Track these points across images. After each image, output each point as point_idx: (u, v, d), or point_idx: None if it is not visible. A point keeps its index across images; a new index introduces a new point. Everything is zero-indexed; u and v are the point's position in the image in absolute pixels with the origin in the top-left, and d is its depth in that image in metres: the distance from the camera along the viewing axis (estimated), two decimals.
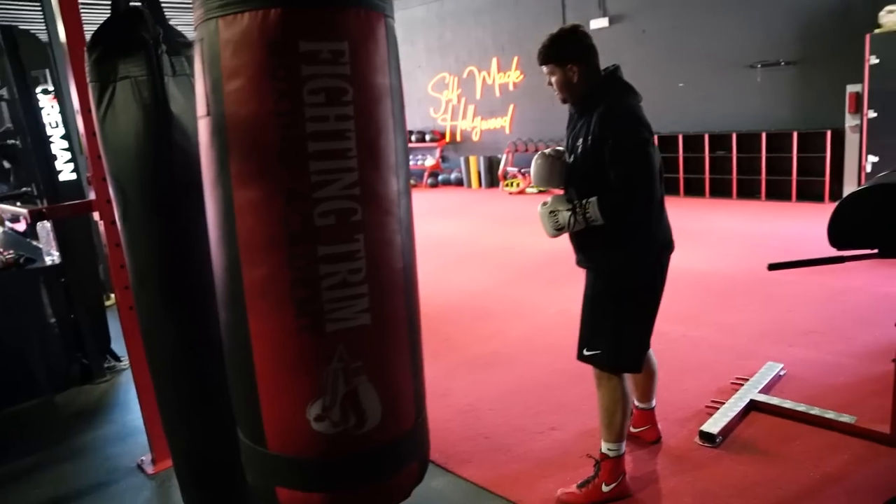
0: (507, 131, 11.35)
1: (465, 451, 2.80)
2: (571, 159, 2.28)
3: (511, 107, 11.25)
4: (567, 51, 2.25)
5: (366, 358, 1.21)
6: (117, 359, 4.16)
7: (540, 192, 10.32)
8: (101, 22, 1.80)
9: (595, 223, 2.15)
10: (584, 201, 2.17)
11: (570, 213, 2.18)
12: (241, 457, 1.36)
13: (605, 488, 2.35)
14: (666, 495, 2.38)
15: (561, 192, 2.36)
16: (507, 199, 10.25)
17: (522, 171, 10.64)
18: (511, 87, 11.16)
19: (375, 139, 1.21)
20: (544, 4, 10.23)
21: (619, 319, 2.29)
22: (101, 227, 2.53)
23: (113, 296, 5.32)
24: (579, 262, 2.40)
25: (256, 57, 1.12)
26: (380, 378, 1.23)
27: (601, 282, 2.31)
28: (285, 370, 1.20)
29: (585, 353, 2.35)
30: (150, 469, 2.83)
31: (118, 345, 4.25)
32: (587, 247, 2.32)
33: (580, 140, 2.22)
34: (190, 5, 1.27)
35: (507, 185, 10.94)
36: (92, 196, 2.56)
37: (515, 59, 10.93)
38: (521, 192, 10.59)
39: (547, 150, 2.37)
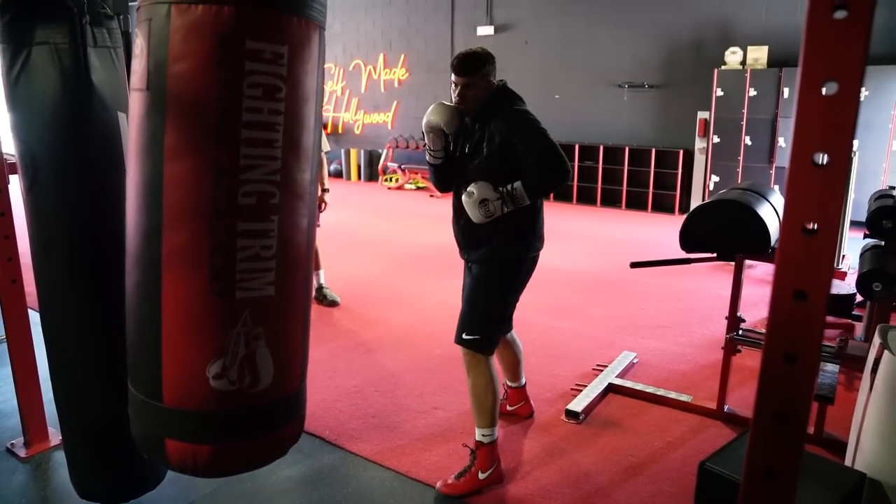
0: (390, 127, 11.51)
1: (353, 428, 2.95)
2: (476, 163, 2.44)
3: (395, 103, 11.42)
4: (490, 66, 2.45)
5: (266, 325, 1.34)
6: None
7: (418, 188, 10.58)
8: None
9: (522, 204, 2.35)
10: (509, 187, 2.34)
11: (499, 200, 2.34)
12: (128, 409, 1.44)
13: (481, 475, 2.46)
14: (536, 465, 2.67)
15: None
16: (387, 194, 10.42)
17: (402, 166, 10.85)
18: (396, 84, 11.33)
19: (298, 134, 1.34)
20: (434, 6, 10.51)
21: (498, 306, 2.51)
22: None
23: None
24: (465, 256, 2.58)
25: (206, 47, 1.21)
26: (275, 344, 1.36)
27: (488, 273, 2.48)
28: (192, 330, 1.31)
29: (465, 336, 2.47)
30: (22, 452, 2.70)
31: None
32: (477, 242, 2.49)
33: (484, 144, 2.42)
34: None
35: (386, 179, 11.09)
36: None
37: (402, 56, 11.11)
38: (400, 188, 10.79)
39: (444, 102, 2.51)
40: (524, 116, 2.41)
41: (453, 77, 2.44)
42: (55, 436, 2.74)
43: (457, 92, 2.44)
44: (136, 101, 1.31)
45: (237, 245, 1.27)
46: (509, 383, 3.04)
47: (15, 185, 2.13)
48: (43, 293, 1.96)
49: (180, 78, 1.24)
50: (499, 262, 2.48)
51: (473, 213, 2.39)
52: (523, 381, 3.04)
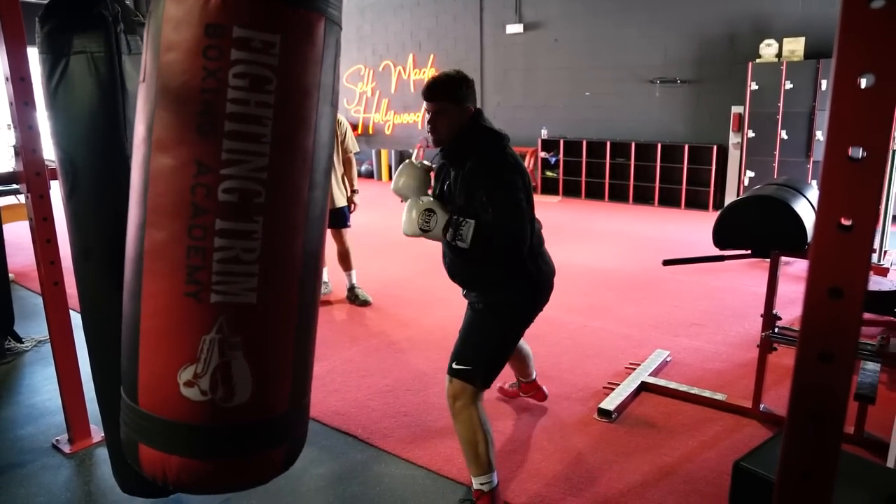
0: (420, 126, 11.53)
1: (386, 427, 2.97)
2: (452, 208, 2.25)
3: (425, 104, 11.43)
4: (469, 91, 2.24)
5: (244, 335, 1.24)
6: (19, 340, 3.98)
7: None
8: None
9: (460, 244, 2.09)
10: (461, 218, 2.10)
11: (446, 221, 2.11)
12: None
13: None
14: (568, 463, 2.65)
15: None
16: None
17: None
18: None
19: (293, 130, 1.26)
20: (463, 6, 10.49)
21: (497, 343, 2.32)
22: (29, 200, 2.48)
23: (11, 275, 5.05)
24: (467, 297, 2.44)
25: (193, 35, 1.18)
26: (256, 357, 1.26)
27: (487, 318, 2.32)
28: (166, 331, 1.25)
29: (455, 366, 2.28)
30: (67, 448, 2.79)
31: (19, 325, 4.09)
32: (478, 285, 2.35)
33: (456, 193, 2.22)
34: None
35: None
36: (18, 167, 2.50)
37: (432, 56, 11.13)
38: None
39: (415, 161, 2.33)
40: (494, 167, 2.14)
41: (424, 104, 2.24)
42: (97, 433, 2.82)
43: (428, 119, 2.24)
44: (139, 94, 1.29)
45: (214, 245, 1.20)
46: (522, 379, 3.12)
47: (55, 190, 2.20)
48: (84, 297, 2.02)
49: (169, 67, 1.21)
50: (499, 304, 2.32)
51: (409, 219, 2.18)
52: (534, 375, 3.11)
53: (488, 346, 2.31)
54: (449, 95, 2.19)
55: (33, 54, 2.21)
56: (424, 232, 2.16)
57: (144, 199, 1.23)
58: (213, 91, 1.18)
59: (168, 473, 1.29)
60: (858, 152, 0.77)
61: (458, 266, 2.34)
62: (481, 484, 2.29)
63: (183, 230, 1.20)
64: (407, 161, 2.34)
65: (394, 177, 2.32)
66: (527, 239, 2.12)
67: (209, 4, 1.18)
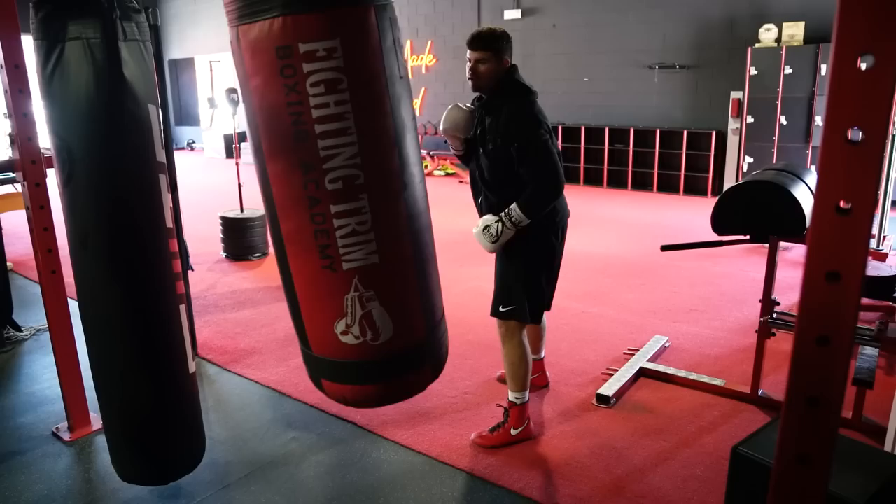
0: (418, 113, 11.48)
1: (385, 413, 2.97)
2: (482, 152, 2.54)
3: (422, 90, 11.38)
4: (507, 46, 2.52)
5: (377, 288, 1.52)
6: (18, 329, 3.98)
7: (447, 174, 10.56)
8: None
9: (522, 224, 2.43)
10: (506, 210, 2.44)
11: (498, 223, 2.46)
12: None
13: (513, 431, 2.67)
14: (567, 449, 2.67)
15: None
16: None
17: (431, 153, 10.84)
18: (423, 70, 11.29)
19: (371, 116, 1.45)
20: None
21: (527, 278, 2.60)
22: (26, 188, 2.47)
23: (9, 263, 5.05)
24: None
25: (268, 59, 1.37)
26: (390, 303, 1.54)
27: (514, 250, 2.57)
28: (316, 297, 1.55)
29: (501, 309, 2.61)
30: (66, 436, 2.80)
31: (18, 314, 4.09)
32: None
33: (488, 138, 2.49)
34: None
35: None
36: (14, 155, 2.49)
37: (429, 42, 11.06)
38: (429, 175, 10.78)
39: (460, 104, 2.63)
40: (527, 120, 2.42)
41: (468, 52, 2.50)
42: (97, 420, 2.83)
43: (469, 66, 2.51)
44: (245, 110, 1.53)
45: (334, 225, 1.44)
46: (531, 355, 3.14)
47: (52, 178, 2.19)
48: (81, 285, 2.01)
49: (258, 91, 1.42)
50: (520, 239, 2.52)
51: (481, 242, 2.55)
52: (542, 354, 3.19)
53: (518, 284, 2.59)
54: (490, 45, 2.47)
55: (27, 42, 2.20)
56: (495, 243, 2.50)
57: (271, 199, 1.50)
58: (298, 103, 1.39)
59: (346, 397, 1.64)
60: (857, 134, 0.76)
61: (485, 208, 2.60)
62: (515, 397, 2.67)
63: (307, 219, 1.45)
64: (453, 104, 2.61)
65: (442, 118, 2.61)
66: (560, 188, 2.45)
67: (273, 29, 1.35)
